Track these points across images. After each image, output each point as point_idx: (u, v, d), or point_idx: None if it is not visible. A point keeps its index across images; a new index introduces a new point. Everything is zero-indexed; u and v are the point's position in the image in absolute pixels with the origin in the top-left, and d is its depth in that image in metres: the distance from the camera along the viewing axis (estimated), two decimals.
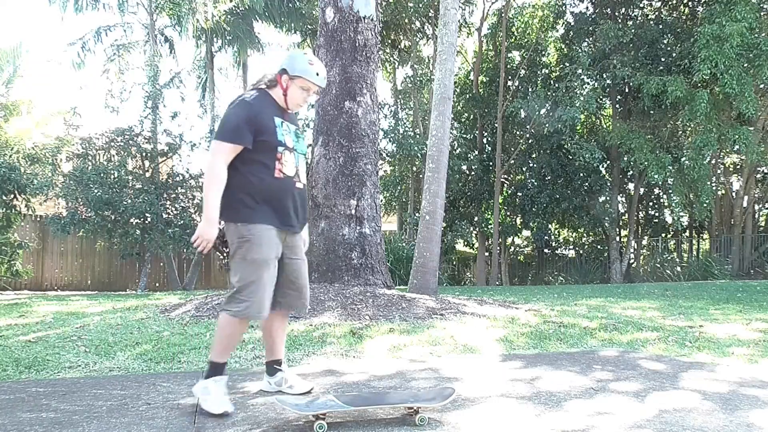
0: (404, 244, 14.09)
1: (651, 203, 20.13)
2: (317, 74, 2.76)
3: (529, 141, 18.18)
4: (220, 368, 2.65)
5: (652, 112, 15.95)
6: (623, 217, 19.39)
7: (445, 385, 3.06)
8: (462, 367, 3.57)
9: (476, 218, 18.80)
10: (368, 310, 5.22)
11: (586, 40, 17.32)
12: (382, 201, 17.01)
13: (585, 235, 20.60)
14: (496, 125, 17.88)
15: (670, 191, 15.40)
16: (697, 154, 13.95)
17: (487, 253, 18.96)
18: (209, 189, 2.56)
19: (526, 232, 20.54)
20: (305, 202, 2.86)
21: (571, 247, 21.50)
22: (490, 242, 18.70)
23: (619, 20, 17.10)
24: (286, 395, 2.83)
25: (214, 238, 2.56)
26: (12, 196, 11.62)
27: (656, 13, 17.70)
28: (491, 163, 18.43)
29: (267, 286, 2.63)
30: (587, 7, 17.82)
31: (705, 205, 14.28)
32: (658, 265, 16.11)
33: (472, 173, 18.62)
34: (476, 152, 18.82)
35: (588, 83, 16.65)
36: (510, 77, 18.45)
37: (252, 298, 2.59)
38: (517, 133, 19.04)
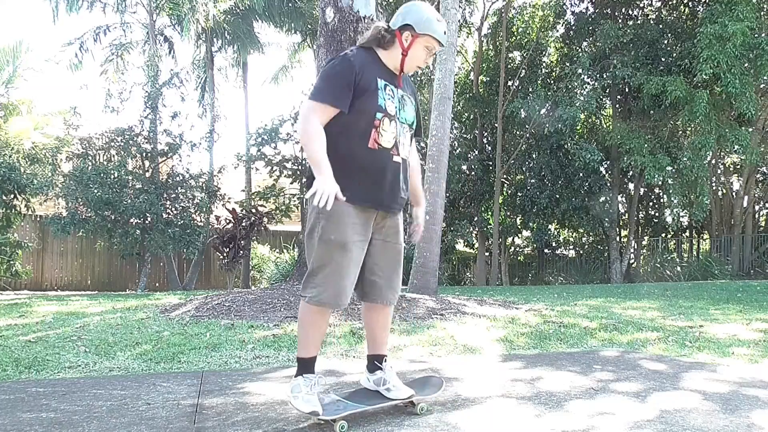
0: (404, 244, 14.06)
1: (651, 203, 20.12)
2: (444, 32, 2.44)
3: (529, 141, 18.18)
4: (306, 364, 2.41)
5: (651, 112, 15.94)
6: (623, 217, 19.38)
7: (433, 375, 3.05)
8: (462, 367, 3.56)
9: (476, 218, 18.80)
10: None
11: (587, 40, 17.32)
12: None
13: (585, 235, 20.58)
14: (496, 125, 17.87)
15: (670, 191, 15.41)
16: (696, 154, 13.95)
17: (487, 253, 18.95)
18: (309, 146, 2.25)
19: (526, 232, 20.52)
20: (406, 179, 2.53)
21: (571, 247, 21.49)
22: (490, 242, 18.70)
23: (620, 20, 17.10)
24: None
25: (335, 191, 2.18)
26: (12, 196, 11.62)
27: (656, 13, 17.69)
28: (491, 163, 18.41)
29: (345, 271, 2.33)
30: (587, 7, 17.83)
31: (704, 205, 14.27)
32: (658, 265, 16.11)
33: (472, 173, 18.61)
34: (476, 152, 18.81)
35: (588, 83, 16.65)
36: (510, 77, 18.44)
37: (325, 284, 2.32)
38: (517, 133, 19.03)
